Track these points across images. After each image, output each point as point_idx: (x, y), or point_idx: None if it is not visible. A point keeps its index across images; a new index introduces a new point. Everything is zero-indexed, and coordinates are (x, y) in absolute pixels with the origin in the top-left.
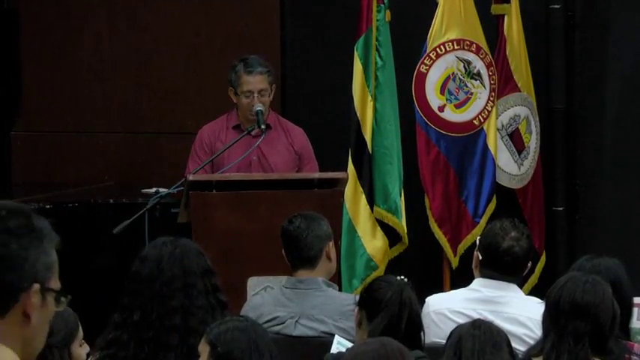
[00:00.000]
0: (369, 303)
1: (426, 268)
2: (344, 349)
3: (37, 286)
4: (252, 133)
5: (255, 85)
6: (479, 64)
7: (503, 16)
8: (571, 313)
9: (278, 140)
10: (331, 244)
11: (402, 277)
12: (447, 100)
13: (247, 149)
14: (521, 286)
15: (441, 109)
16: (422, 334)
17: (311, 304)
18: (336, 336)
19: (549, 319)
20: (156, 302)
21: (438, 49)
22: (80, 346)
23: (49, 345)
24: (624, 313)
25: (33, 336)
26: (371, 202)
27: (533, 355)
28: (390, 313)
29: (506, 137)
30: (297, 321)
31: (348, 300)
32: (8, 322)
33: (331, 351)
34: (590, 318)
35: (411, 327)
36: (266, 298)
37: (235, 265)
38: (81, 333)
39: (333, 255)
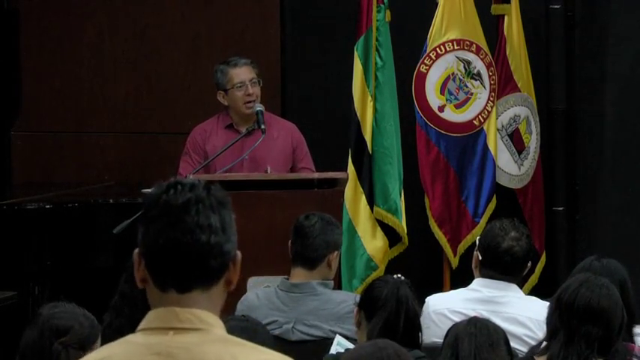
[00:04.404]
0: (367, 303)
1: (426, 268)
2: (342, 350)
3: (239, 253)
4: (250, 133)
5: (244, 75)
6: (479, 64)
7: (503, 16)
8: (585, 317)
9: (273, 138)
10: (336, 253)
11: (399, 275)
12: (447, 100)
13: (239, 149)
14: (521, 286)
15: (441, 109)
16: (420, 332)
17: (306, 309)
18: (337, 336)
19: (559, 320)
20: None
21: (438, 49)
22: None
23: (64, 343)
24: (628, 314)
25: (224, 301)
26: (371, 202)
27: (536, 354)
28: (387, 311)
29: (507, 137)
30: (293, 327)
31: (345, 301)
32: (216, 290)
33: (330, 351)
34: (603, 323)
35: (408, 325)
36: (262, 299)
37: None
38: (98, 343)
39: (334, 265)
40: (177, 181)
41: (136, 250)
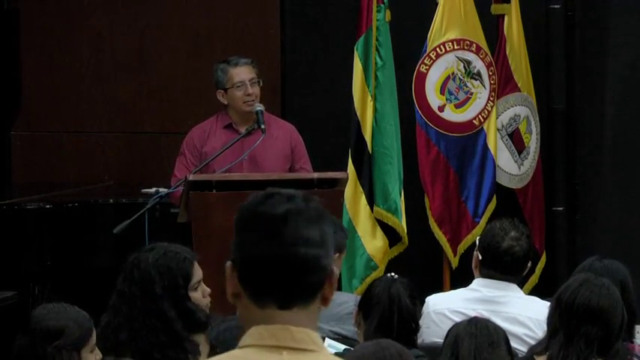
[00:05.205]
0: (364, 302)
1: (426, 268)
2: (333, 352)
3: (335, 269)
4: (250, 133)
5: (244, 75)
6: (479, 64)
7: (503, 16)
8: (585, 317)
9: (271, 139)
10: (338, 255)
11: (393, 274)
12: (447, 100)
13: (238, 149)
14: (521, 286)
15: (441, 109)
16: (417, 331)
17: None
18: (327, 339)
19: (559, 320)
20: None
21: (438, 49)
22: (91, 352)
23: (57, 346)
24: (629, 314)
25: (318, 319)
26: (371, 202)
27: (536, 354)
28: (380, 309)
29: (507, 137)
30: None
31: (346, 302)
32: (313, 307)
33: None
34: (603, 323)
35: (403, 324)
36: None
37: None
38: (94, 339)
39: (336, 267)
40: (274, 191)
41: (228, 263)
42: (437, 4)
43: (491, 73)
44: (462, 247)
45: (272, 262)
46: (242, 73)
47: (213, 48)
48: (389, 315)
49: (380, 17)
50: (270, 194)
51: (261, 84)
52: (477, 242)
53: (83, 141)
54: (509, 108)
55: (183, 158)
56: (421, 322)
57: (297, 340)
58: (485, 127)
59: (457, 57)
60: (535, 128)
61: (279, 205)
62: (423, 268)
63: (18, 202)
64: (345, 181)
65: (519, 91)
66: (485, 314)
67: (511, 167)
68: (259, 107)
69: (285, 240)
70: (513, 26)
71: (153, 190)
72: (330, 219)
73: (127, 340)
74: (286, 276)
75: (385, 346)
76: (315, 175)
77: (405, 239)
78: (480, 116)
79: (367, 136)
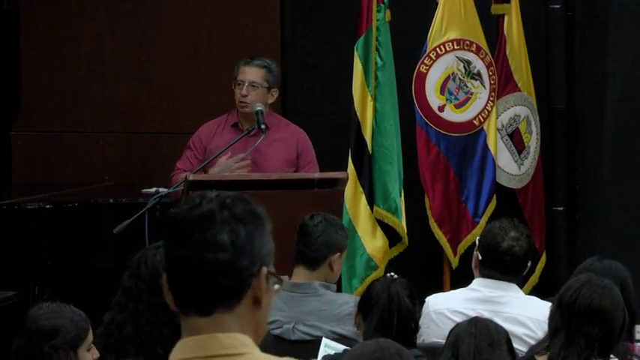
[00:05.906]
0: (364, 303)
1: (426, 268)
2: (332, 352)
3: (265, 269)
4: (251, 133)
5: (248, 76)
6: (479, 64)
7: (503, 16)
8: (586, 318)
9: (276, 141)
10: (338, 255)
11: (392, 274)
12: (446, 100)
13: (243, 148)
14: (521, 286)
15: (441, 109)
16: (415, 331)
17: (306, 310)
18: (324, 339)
19: (560, 320)
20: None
21: (438, 49)
22: (88, 350)
23: (54, 345)
24: (629, 314)
25: (261, 321)
26: (371, 202)
27: (537, 354)
28: (380, 309)
29: (507, 137)
30: (294, 326)
31: (347, 303)
32: (242, 309)
33: (319, 354)
34: (605, 324)
35: (402, 323)
36: None
37: None
38: (90, 337)
39: (337, 267)
40: (203, 194)
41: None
42: (437, 4)
43: (491, 73)
44: (462, 247)
45: (181, 268)
46: (247, 73)
47: (213, 48)
48: (388, 315)
49: (380, 17)
50: (197, 197)
51: (271, 90)
52: (477, 242)
53: (83, 141)
54: (509, 108)
55: (189, 151)
56: (421, 322)
57: (225, 346)
58: (485, 127)
59: (457, 57)
60: (535, 128)
61: (197, 209)
62: (423, 268)
63: (18, 202)
64: (345, 181)
65: (519, 91)
66: (486, 314)
67: (511, 167)
68: (259, 107)
69: (191, 245)
70: (513, 26)
71: (153, 190)
72: (260, 221)
73: (131, 335)
74: (196, 281)
75: (384, 345)
76: (316, 175)
77: (405, 239)
78: (480, 116)
79: (367, 136)
